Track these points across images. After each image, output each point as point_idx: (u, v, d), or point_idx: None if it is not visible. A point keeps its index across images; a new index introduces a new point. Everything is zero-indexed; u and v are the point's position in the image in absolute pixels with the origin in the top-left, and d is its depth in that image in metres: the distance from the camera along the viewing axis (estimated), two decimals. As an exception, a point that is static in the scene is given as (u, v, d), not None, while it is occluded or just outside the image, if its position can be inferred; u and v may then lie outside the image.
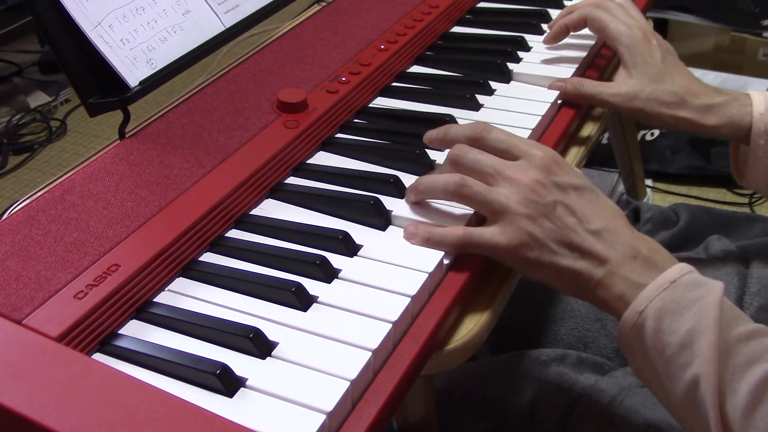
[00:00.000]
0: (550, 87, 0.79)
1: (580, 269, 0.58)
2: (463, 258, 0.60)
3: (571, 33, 0.86)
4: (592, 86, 0.78)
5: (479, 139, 0.63)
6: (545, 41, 0.88)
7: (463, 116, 0.76)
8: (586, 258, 0.58)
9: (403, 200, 0.65)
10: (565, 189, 0.60)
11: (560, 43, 0.88)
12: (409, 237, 0.61)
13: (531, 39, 0.90)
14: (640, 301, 0.54)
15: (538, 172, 0.60)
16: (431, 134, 0.66)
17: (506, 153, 0.61)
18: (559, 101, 0.79)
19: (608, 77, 0.90)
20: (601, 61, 0.88)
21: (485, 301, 0.60)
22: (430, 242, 0.60)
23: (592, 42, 0.88)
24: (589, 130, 0.82)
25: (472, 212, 0.62)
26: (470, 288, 0.60)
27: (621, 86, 0.77)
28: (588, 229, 0.59)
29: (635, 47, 0.77)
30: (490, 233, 0.59)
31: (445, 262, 0.59)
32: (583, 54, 0.85)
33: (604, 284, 0.57)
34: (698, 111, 0.74)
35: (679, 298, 0.53)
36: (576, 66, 0.83)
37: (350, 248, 0.59)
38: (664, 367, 0.53)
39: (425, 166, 0.69)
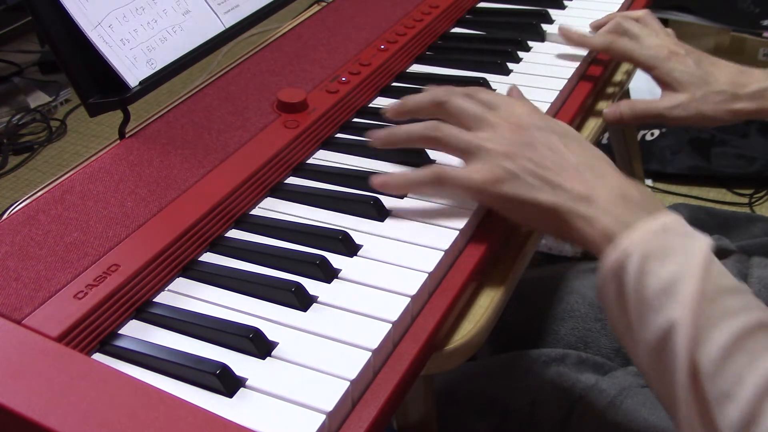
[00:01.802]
0: (606, 118, 0.81)
1: (560, 203, 0.57)
2: (463, 258, 0.60)
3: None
4: (645, 104, 0.79)
5: (470, 94, 0.64)
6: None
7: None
8: (567, 192, 0.57)
9: (403, 200, 0.65)
10: (546, 131, 0.60)
11: (560, 44, 0.88)
12: (381, 186, 0.63)
13: (531, 39, 0.90)
14: (626, 240, 0.53)
15: (518, 118, 0.61)
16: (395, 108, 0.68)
17: (491, 104, 0.63)
18: (561, 102, 0.79)
19: (611, 71, 0.90)
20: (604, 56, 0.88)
21: (485, 301, 0.60)
22: (404, 186, 0.62)
23: (587, 50, 0.88)
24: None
25: (473, 210, 0.62)
26: (470, 288, 0.60)
27: (673, 99, 0.78)
28: (569, 162, 0.58)
29: (667, 66, 0.78)
30: (465, 171, 0.60)
31: (445, 261, 0.59)
32: (584, 53, 0.85)
33: (588, 219, 0.56)
34: (752, 99, 0.76)
35: (668, 244, 0.52)
36: (578, 64, 0.83)
37: (350, 248, 0.59)
38: (639, 310, 0.51)
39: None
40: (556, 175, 0.58)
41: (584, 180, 0.58)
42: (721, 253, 0.87)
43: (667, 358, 0.49)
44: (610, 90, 0.89)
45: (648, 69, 0.80)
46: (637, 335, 0.52)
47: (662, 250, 0.52)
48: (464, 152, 0.61)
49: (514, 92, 0.71)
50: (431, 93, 0.65)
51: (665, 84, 0.79)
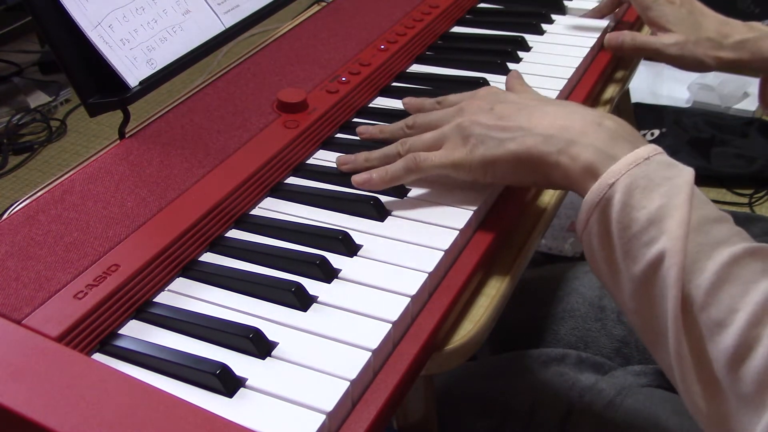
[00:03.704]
0: (607, 43, 0.85)
1: (534, 147, 0.57)
2: (463, 258, 0.60)
3: (574, 35, 0.90)
4: (646, 38, 0.84)
5: (439, 102, 0.69)
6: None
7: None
8: (538, 134, 0.58)
9: (403, 200, 0.65)
10: (504, 94, 0.65)
11: (560, 44, 0.88)
12: (362, 184, 0.64)
13: (531, 39, 0.90)
14: (610, 173, 0.53)
15: (479, 95, 0.65)
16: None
17: (454, 103, 0.67)
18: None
19: (611, 71, 0.90)
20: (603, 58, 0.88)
21: (485, 302, 0.60)
22: (384, 182, 0.64)
23: (587, 50, 0.88)
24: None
25: (472, 211, 0.62)
26: (470, 288, 0.60)
27: (671, 38, 0.82)
28: (534, 108, 0.60)
29: (663, 9, 0.83)
30: (439, 152, 0.62)
31: (445, 261, 0.59)
32: (576, 64, 0.85)
33: (569, 154, 0.56)
34: (734, 49, 0.81)
35: (652, 176, 0.52)
36: (578, 63, 0.83)
37: (350, 248, 0.59)
38: (626, 245, 0.51)
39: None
40: (523, 121, 0.59)
41: (554, 119, 0.58)
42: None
43: (656, 291, 0.49)
44: (610, 90, 0.89)
45: (645, 9, 0.84)
46: (623, 270, 0.52)
47: (646, 181, 0.51)
48: (437, 147, 0.63)
49: (513, 75, 0.72)
50: (401, 122, 0.69)
51: (659, 26, 0.83)
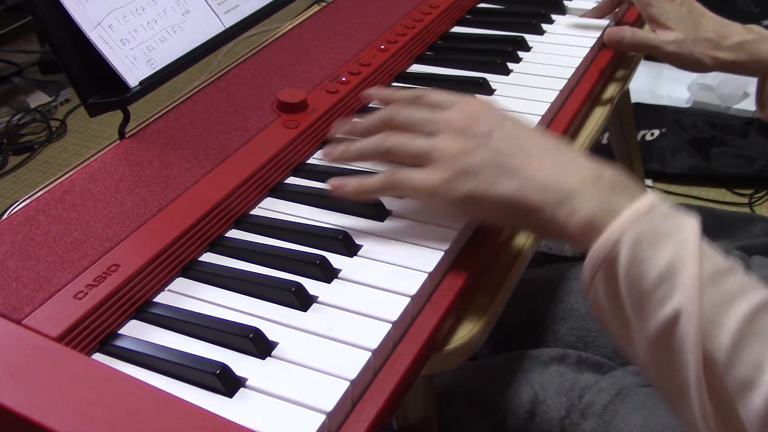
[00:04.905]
0: (607, 38, 0.86)
1: (527, 194, 0.54)
2: (463, 258, 0.60)
3: (574, 34, 0.89)
4: (645, 34, 0.84)
5: (416, 99, 0.62)
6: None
7: (463, 116, 0.76)
8: (535, 181, 0.54)
9: (404, 201, 0.65)
10: (502, 120, 0.58)
11: (560, 44, 0.88)
12: (334, 190, 0.60)
13: (531, 39, 0.90)
14: (615, 229, 0.50)
15: (470, 112, 0.59)
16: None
17: (441, 105, 0.60)
18: (562, 101, 0.79)
19: (612, 71, 0.90)
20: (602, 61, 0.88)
21: (485, 301, 0.60)
22: (356, 193, 0.60)
23: (587, 50, 0.88)
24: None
25: (472, 212, 0.62)
26: (470, 288, 0.60)
27: (670, 35, 0.82)
28: (532, 148, 0.56)
29: (663, 7, 0.83)
30: (421, 173, 0.57)
31: (445, 260, 0.59)
32: (576, 64, 0.85)
33: (567, 207, 0.52)
34: (732, 50, 0.81)
35: (657, 228, 0.49)
36: (578, 63, 0.83)
37: (350, 248, 0.59)
38: (637, 302, 0.48)
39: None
40: (521, 162, 0.55)
41: (553, 166, 0.54)
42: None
43: (674, 350, 0.47)
44: (610, 89, 0.89)
45: (645, 6, 0.84)
46: (636, 329, 0.49)
47: (652, 234, 0.49)
48: (419, 158, 0.58)
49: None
50: (378, 114, 0.62)
51: (659, 23, 0.83)
